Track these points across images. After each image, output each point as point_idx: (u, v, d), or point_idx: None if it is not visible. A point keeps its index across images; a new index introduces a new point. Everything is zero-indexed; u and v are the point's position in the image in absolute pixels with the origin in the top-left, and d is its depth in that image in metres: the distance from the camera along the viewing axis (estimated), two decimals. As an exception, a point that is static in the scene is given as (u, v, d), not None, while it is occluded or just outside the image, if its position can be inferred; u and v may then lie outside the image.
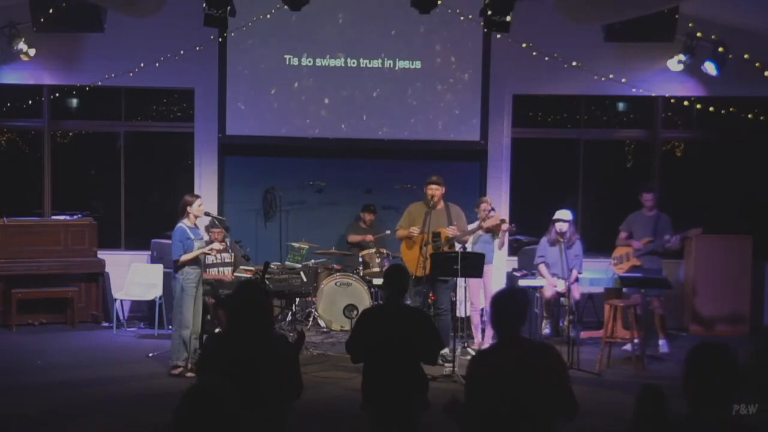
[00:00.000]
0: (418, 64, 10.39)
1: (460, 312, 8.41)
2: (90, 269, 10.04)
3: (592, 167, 10.92)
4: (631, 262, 8.98)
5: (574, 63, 10.02)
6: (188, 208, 7.70)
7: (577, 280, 8.65)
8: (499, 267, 9.51)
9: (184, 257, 7.52)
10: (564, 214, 8.55)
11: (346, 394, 6.79)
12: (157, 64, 9.98)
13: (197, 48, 9.95)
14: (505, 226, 8.65)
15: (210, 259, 8.68)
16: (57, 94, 10.56)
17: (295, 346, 4.38)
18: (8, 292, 9.58)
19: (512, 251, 10.36)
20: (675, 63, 9.99)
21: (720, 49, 9.72)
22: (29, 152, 11.32)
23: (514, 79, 10.41)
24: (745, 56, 9.65)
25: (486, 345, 8.26)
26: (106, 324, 9.87)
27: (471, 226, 8.49)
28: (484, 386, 3.63)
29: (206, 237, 8.26)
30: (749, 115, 10.09)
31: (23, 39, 9.64)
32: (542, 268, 8.81)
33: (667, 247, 8.95)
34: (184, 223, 7.66)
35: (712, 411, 2.74)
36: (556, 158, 11.07)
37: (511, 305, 3.76)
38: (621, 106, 11.35)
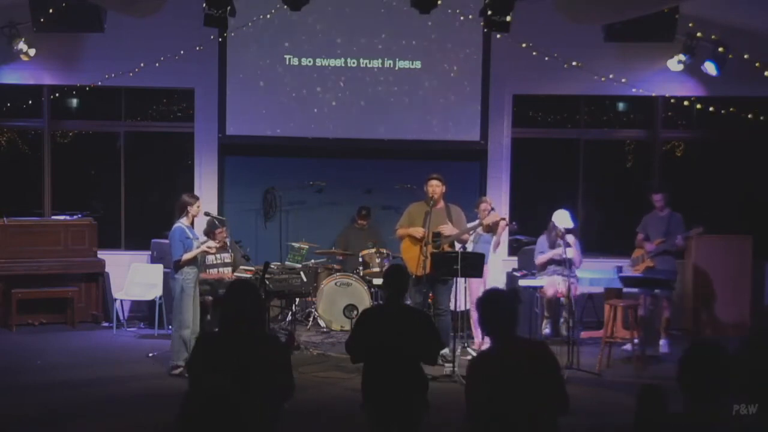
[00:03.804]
0: (418, 64, 10.39)
1: (460, 306, 8.37)
2: (90, 269, 10.03)
3: (592, 167, 10.92)
4: (645, 263, 9.00)
5: (574, 63, 10.02)
6: (188, 208, 7.69)
7: (577, 279, 8.64)
8: (498, 267, 9.50)
9: (186, 256, 7.52)
10: (565, 220, 8.50)
11: (346, 394, 6.78)
12: (157, 64, 9.98)
13: (197, 48, 9.96)
14: (503, 223, 8.65)
15: (210, 260, 8.68)
16: (57, 94, 10.56)
17: (286, 346, 4.37)
18: (8, 292, 9.57)
19: (512, 251, 10.37)
20: (675, 63, 9.99)
21: (720, 49, 9.72)
22: (29, 152, 11.32)
23: (514, 79, 10.41)
24: (745, 56, 9.65)
25: (486, 345, 8.24)
26: (106, 324, 9.87)
27: (471, 225, 8.48)
28: (486, 390, 3.63)
29: (203, 238, 8.25)
30: (749, 115, 10.09)
31: (23, 39, 9.64)
32: (543, 256, 8.77)
33: (677, 247, 8.98)
34: (182, 223, 7.65)
35: (708, 408, 2.75)
36: (556, 158, 11.07)
37: (499, 306, 3.77)
38: (621, 106, 11.35)
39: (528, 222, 9.78)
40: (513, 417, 3.57)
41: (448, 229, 7.96)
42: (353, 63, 10.38)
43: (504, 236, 9.75)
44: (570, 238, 8.52)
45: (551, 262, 8.70)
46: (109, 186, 10.95)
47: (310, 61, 10.37)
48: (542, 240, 8.88)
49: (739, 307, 9.77)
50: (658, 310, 8.97)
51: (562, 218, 8.54)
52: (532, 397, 3.58)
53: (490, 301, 3.83)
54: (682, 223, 8.96)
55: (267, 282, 8.05)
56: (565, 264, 8.24)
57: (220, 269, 8.83)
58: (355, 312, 9.16)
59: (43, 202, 10.75)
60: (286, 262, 9.43)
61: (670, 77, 10.22)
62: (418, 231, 7.95)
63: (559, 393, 3.67)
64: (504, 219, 8.76)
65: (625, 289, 8.87)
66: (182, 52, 9.95)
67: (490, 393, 3.61)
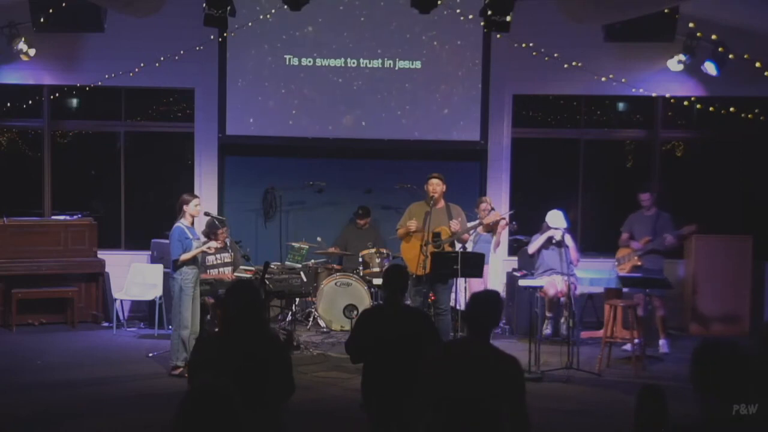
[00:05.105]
0: (418, 64, 10.39)
1: (460, 305, 8.37)
2: (90, 269, 10.03)
3: (592, 167, 10.91)
4: (632, 262, 8.98)
5: (574, 63, 10.02)
6: (184, 207, 7.69)
7: (577, 279, 8.64)
8: (497, 267, 9.50)
9: (184, 256, 7.52)
10: (558, 220, 8.50)
11: (346, 394, 6.79)
12: (157, 64, 9.99)
13: (197, 48, 9.96)
14: (503, 222, 8.65)
15: (210, 260, 8.68)
16: (57, 94, 10.56)
17: (286, 346, 4.39)
18: (8, 292, 9.58)
19: (512, 251, 10.36)
20: (675, 63, 9.99)
21: (720, 49, 9.72)
22: (29, 152, 11.32)
23: (514, 79, 10.40)
24: (745, 56, 9.65)
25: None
26: (106, 324, 9.87)
27: (471, 224, 8.49)
28: (437, 373, 3.73)
29: (203, 239, 8.25)
30: (749, 115, 10.09)
31: (23, 39, 9.64)
32: (537, 240, 8.79)
33: (666, 246, 8.96)
34: (182, 223, 7.66)
35: (722, 410, 2.72)
36: (556, 158, 11.07)
37: (488, 307, 3.87)
38: (621, 106, 11.34)
39: (528, 222, 9.78)
40: (456, 408, 3.59)
41: (454, 225, 7.92)
42: (353, 63, 10.38)
43: (504, 236, 9.76)
44: (567, 238, 8.55)
45: (549, 257, 8.70)
46: (109, 186, 10.95)
47: (310, 61, 10.36)
48: (536, 237, 8.91)
49: (739, 308, 9.77)
50: (653, 310, 8.96)
51: (555, 218, 8.55)
52: (479, 396, 3.58)
53: (476, 297, 3.96)
54: (670, 222, 8.94)
55: (267, 282, 8.05)
56: (560, 246, 8.26)
57: (220, 269, 8.83)
58: (355, 312, 9.16)
59: (43, 202, 10.75)
60: (286, 262, 9.43)
61: (670, 77, 10.21)
62: (412, 224, 7.92)
63: (519, 413, 3.61)
64: (504, 218, 8.75)
65: (624, 289, 8.87)
66: (182, 52, 9.95)
67: (442, 377, 3.69)
